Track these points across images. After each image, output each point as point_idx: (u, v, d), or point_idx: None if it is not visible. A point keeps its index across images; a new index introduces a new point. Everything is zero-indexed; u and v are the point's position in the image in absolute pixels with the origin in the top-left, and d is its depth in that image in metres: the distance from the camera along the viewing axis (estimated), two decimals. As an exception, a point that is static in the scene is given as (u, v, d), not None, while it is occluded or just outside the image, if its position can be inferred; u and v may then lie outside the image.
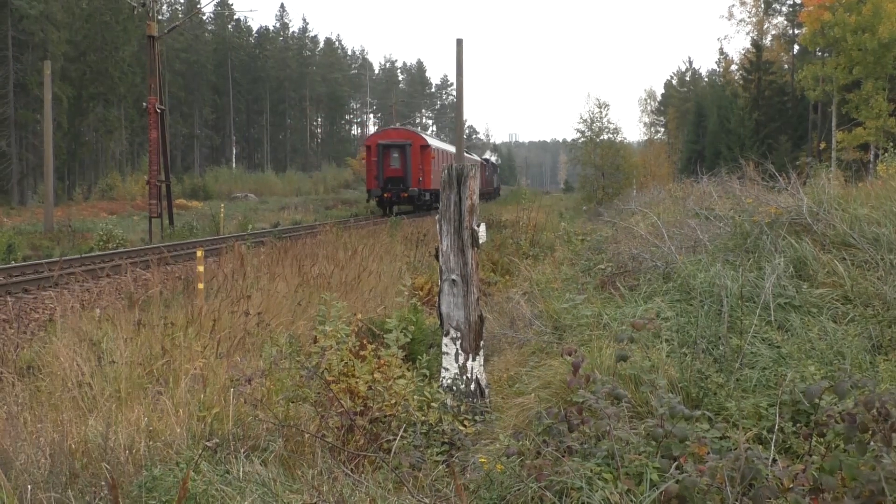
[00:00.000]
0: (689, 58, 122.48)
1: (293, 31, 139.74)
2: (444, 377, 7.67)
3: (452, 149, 59.58)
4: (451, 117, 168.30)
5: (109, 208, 56.35)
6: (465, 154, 57.98)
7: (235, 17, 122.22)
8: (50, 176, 40.31)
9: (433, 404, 6.80)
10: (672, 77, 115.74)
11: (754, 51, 72.18)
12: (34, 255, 27.17)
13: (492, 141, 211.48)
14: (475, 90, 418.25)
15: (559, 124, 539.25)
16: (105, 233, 30.88)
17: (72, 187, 73.11)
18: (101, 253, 26.50)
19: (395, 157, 51.48)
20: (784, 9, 75.16)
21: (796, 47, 71.79)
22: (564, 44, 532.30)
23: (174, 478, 5.25)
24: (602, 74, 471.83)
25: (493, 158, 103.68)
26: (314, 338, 7.41)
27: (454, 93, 44.26)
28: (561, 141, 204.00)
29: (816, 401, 4.40)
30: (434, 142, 60.78)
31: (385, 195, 51.08)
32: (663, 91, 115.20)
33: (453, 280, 7.65)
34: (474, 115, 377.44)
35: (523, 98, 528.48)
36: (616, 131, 51.90)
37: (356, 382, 6.54)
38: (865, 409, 4.04)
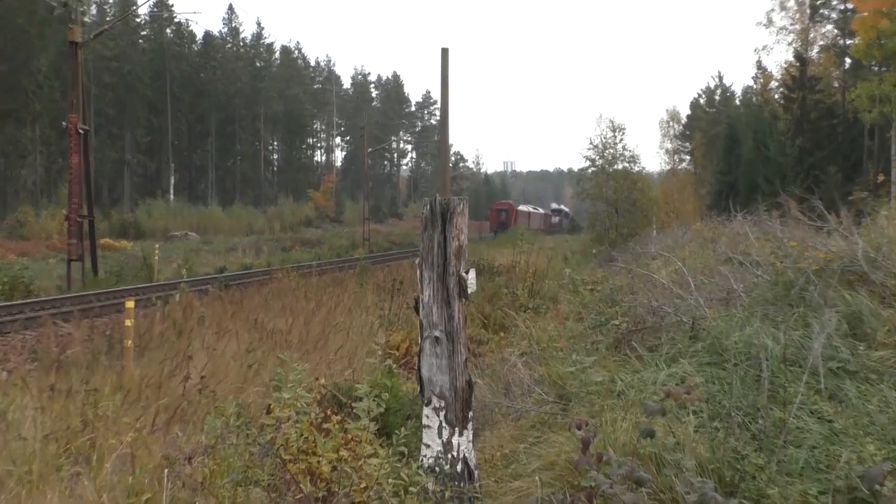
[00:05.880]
0: (720, 73, 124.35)
1: (245, 38, 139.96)
2: (424, 455, 7.63)
3: (530, 208, 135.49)
4: (434, 142, 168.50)
5: (19, 249, 56.05)
6: (534, 209, 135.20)
7: (176, 20, 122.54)
8: (-52, 209, 40.28)
9: (412, 489, 6.76)
10: (699, 96, 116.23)
11: (798, 64, 72.30)
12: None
13: (483, 170, 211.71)
14: (464, 112, 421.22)
15: (562, 152, 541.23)
16: (11, 278, 30.61)
17: (-27, 223, 72.90)
18: (7, 304, 26.33)
19: (502, 213, 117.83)
20: (833, 15, 75.59)
21: (848, 61, 72.17)
22: (570, 59, 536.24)
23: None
24: (614, 94, 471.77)
25: (565, 208, 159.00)
26: (268, 407, 7.37)
27: (438, 112, 45.09)
28: (566, 171, 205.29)
29: (877, 487, 4.39)
30: (521, 206, 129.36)
31: (497, 229, 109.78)
32: (689, 112, 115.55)
33: (436, 337, 7.62)
34: (462, 140, 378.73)
35: (521, 122, 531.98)
36: (633, 159, 52.31)
37: (318, 462, 6.51)
38: (936, 497, 4.03)
